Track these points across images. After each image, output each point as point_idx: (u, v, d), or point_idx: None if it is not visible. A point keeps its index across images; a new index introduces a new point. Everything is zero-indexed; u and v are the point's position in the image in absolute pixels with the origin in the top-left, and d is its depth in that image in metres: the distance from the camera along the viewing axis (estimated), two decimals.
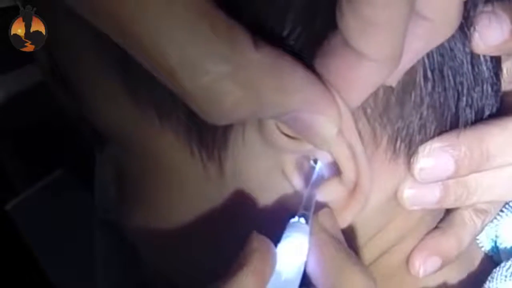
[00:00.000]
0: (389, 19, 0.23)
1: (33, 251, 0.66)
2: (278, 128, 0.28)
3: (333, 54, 0.26)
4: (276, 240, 0.28)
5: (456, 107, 0.31)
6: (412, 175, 0.31)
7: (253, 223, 0.30)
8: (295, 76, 0.25)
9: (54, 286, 0.65)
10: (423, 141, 0.31)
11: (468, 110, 0.31)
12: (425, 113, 0.30)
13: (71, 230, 0.63)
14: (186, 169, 0.31)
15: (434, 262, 0.35)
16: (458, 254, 0.35)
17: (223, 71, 0.23)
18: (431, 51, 0.29)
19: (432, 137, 0.31)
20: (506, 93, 0.34)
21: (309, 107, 0.26)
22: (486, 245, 0.39)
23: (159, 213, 0.34)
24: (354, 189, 0.29)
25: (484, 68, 0.31)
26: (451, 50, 0.30)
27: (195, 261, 0.35)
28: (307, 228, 0.29)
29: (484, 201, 0.35)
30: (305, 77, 0.26)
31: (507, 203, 0.38)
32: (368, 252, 0.34)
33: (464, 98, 0.31)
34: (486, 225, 0.36)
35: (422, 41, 0.26)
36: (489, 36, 0.30)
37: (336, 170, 0.29)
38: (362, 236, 0.33)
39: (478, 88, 0.31)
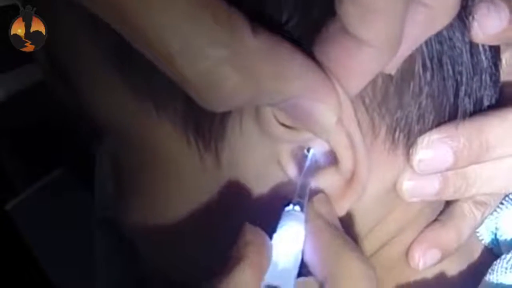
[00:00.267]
0: (388, 5, 0.23)
1: (33, 251, 0.65)
2: (275, 117, 0.28)
3: (331, 41, 0.26)
4: (272, 230, 0.28)
5: (455, 96, 0.31)
6: (411, 167, 0.31)
7: (249, 214, 0.30)
8: (294, 63, 0.25)
9: (54, 286, 0.65)
10: (421, 132, 0.31)
11: (466, 100, 0.31)
12: (424, 102, 0.30)
13: (71, 230, 0.63)
14: (183, 160, 0.31)
15: (433, 254, 0.34)
16: (458, 246, 0.35)
17: (222, 56, 0.23)
18: (430, 40, 0.29)
19: (431, 128, 0.31)
20: (505, 84, 0.34)
21: (309, 94, 0.26)
22: (486, 237, 0.39)
23: (156, 205, 0.34)
24: (351, 178, 0.29)
25: (483, 57, 0.31)
26: (450, 39, 0.30)
27: (192, 256, 0.35)
28: (302, 216, 0.28)
29: (483, 193, 0.35)
30: (304, 64, 0.26)
31: (507, 195, 0.38)
32: (369, 244, 0.34)
33: (463, 88, 0.31)
34: (486, 217, 0.36)
35: (421, 28, 0.26)
36: (487, 25, 0.30)
37: (332, 159, 0.29)
38: (362, 228, 0.32)
39: (476, 78, 0.31)
